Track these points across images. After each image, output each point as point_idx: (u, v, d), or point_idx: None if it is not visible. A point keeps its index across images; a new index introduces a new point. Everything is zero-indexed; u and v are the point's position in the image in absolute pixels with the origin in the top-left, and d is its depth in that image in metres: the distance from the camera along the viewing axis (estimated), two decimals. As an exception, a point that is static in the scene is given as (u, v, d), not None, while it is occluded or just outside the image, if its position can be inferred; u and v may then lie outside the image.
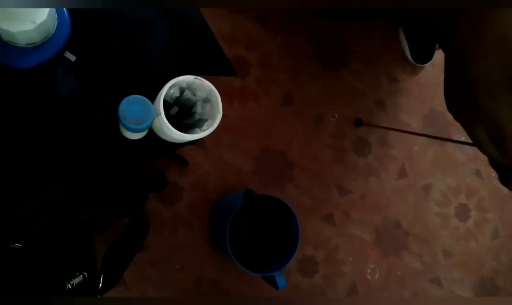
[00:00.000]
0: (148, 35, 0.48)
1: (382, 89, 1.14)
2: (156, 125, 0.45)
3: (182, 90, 0.45)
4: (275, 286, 0.87)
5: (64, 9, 0.50)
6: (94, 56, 0.49)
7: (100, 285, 0.70)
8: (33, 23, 0.44)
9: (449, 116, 1.21)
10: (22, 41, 0.45)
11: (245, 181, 1.03)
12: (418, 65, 1.15)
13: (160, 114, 0.42)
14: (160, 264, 0.96)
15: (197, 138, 0.44)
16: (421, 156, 1.18)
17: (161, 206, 0.96)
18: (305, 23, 1.09)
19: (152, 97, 0.44)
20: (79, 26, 0.50)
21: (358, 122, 0.91)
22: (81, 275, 0.65)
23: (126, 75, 0.48)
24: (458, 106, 0.58)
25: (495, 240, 1.27)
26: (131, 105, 0.40)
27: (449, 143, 1.21)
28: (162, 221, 0.96)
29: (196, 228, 0.99)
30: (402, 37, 1.13)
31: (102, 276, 0.71)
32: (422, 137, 1.17)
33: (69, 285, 0.61)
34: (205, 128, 0.45)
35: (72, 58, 0.49)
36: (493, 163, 0.60)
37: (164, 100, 0.42)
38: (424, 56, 1.13)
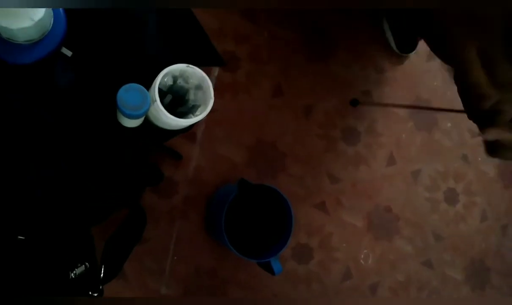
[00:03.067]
0: (141, 29, 0.51)
1: (368, 79, 1.17)
2: (152, 113, 0.47)
3: (175, 79, 0.47)
4: (271, 272, 0.90)
5: (60, 7, 0.52)
6: (90, 51, 0.51)
7: (102, 275, 0.73)
8: (31, 20, 0.46)
9: (435, 103, 1.25)
10: (21, 38, 0.47)
11: (238, 172, 1.05)
12: (403, 54, 1.18)
13: (156, 101, 0.45)
14: (159, 256, 0.98)
15: (192, 123, 0.47)
16: (409, 143, 1.21)
17: (157, 199, 0.99)
18: (292, 16, 1.11)
19: (147, 87, 0.47)
20: (75, 22, 0.52)
21: (354, 102, 0.93)
22: (83, 265, 0.68)
23: (122, 67, 0.50)
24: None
25: (483, 222, 1.31)
26: (128, 93, 0.42)
27: (435, 130, 1.25)
28: (159, 214, 0.99)
29: (192, 220, 1.02)
30: (386, 27, 1.16)
31: (103, 266, 0.73)
32: (409, 125, 1.21)
33: (72, 274, 0.64)
34: (198, 113, 0.48)
35: (69, 53, 0.51)
36: (472, 112, 0.60)
37: (159, 89, 0.45)
38: (408, 46, 1.16)
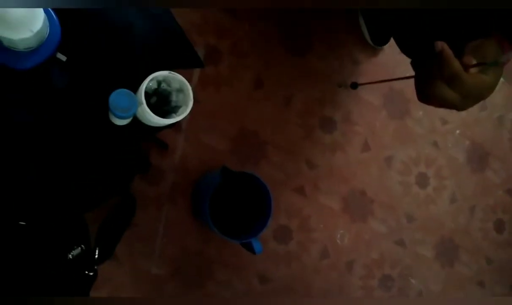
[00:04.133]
0: (128, 36, 0.57)
1: (345, 71, 1.24)
2: (139, 113, 0.54)
3: (159, 83, 0.54)
4: (253, 251, 0.98)
5: (54, 16, 0.58)
6: (83, 55, 0.57)
7: (96, 256, 0.80)
8: (31, 31, 0.52)
9: (407, 94, 1.33)
10: (21, 46, 0.53)
11: (222, 160, 1.12)
12: (377, 47, 1.25)
13: (142, 103, 0.51)
14: (148, 239, 1.06)
15: (173, 122, 0.53)
16: (382, 130, 1.29)
17: (146, 187, 1.05)
18: (271, 11, 1.17)
19: (135, 90, 0.53)
20: (68, 30, 0.58)
21: (354, 85, 1.04)
22: (79, 248, 0.75)
23: (113, 71, 0.57)
24: None
25: (453, 203, 1.41)
26: (118, 97, 0.49)
27: (408, 118, 1.33)
28: (147, 200, 1.06)
29: (179, 205, 1.09)
30: (362, 21, 1.23)
31: (97, 248, 0.81)
32: (382, 114, 1.29)
33: (70, 256, 0.71)
34: (180, 113, 0.54)
35: (63, 58, 0.57)
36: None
37: (145, 92, 0.51)
38: (382, 39, 1.23)
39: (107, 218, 0.89)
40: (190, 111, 1.08)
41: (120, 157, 0.67)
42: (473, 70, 0.56)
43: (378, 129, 1.29)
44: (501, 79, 1.56)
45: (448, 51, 0.56)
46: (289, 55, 1.19)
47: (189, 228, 1.10)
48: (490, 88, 0.58)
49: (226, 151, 1.13)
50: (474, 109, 1.44)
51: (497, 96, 1.51)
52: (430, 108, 1.36)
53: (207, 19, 1.11)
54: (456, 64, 0.55)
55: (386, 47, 1.27)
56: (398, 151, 1.32)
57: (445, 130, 1.38)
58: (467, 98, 0.59)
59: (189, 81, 0.61)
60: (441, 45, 0.56)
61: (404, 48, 0.95)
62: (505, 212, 1.49)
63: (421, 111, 1.35)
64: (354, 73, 1.25)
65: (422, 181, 1.36)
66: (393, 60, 1.29)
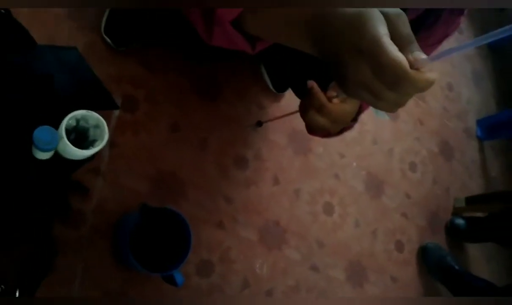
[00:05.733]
0: (49, 85, 0.64)
1: (252, 114, 1.40)
2: (61, 147, 0.61)
3: (78, 121, 0.62)
4: (175, 284, 1.03)
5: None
6: (5, 103, 0.63)
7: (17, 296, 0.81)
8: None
9: (306, 132, 1.51)
10: None
11: (142, 201, 1.18)
12: (279, 93, 1.43)
13: (63, 137, 0.58)
14: (68, 283, 1.06)
15: (92, 152, 0.61)
16: (289, 166, 1.45)
17: (65, 230, 1.07)
18: (183, 63, 1.30)
19: (57, 127, 0.60)
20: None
21: (259, 123, 1.20)
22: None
23: (35, 116, 0.63)
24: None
25: (357, 228, 1.59)
26: (41, 132, 0.56)
27: (310, 155, 1.51)
28: (67, 244, 1.07)
29: (100, 247, 1.11)
30: (264, 71, 1.41)
31: (17, 290, 0.81)
32: (288, 152, 1.45)
33: (-13, 296, 0.72)
34: (96, 146, 0.62)
35: (-15, 103, 0.63)
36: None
37: (66, 129, 0.59)
38: (282, 86, 1.42)
39: (28, 260, 0.90)
40: (108, 155, 1.15)
41: (42, 195, 0.72)
42: (335, 100, 0.72)
43: (285, 165, 1.45)
44: (387, 117, 1.82)
45: (316, 87, 0.72)
46: (201, 102, 1.32)
47: (110, 271, 1.12)
48: (350, 113, 0.75)
49: (146, 193, 1.20)
50: (367, 144, 1.69)
51: (386, 132, 1.77)
52: (329, 145, 1.57)
53: (123, 71, 1.20)
54: (322, 96, 0.71)
55: (287, 93, 1.46)
56: (304, 184, 1.48)
57: (343, 163, 1.58)
58: (335, 122, 0.75)
59: (107, 126, 0.69)
60: (311, 83, 0.72)
61: (296, 92, 1.13)
62: (403, 233, 1.71)
63: (322, 148, 1.54)
64: (260, 116, 1.41)
65: (328, 209, 1.52)
66: (294, 105, 1.46)
